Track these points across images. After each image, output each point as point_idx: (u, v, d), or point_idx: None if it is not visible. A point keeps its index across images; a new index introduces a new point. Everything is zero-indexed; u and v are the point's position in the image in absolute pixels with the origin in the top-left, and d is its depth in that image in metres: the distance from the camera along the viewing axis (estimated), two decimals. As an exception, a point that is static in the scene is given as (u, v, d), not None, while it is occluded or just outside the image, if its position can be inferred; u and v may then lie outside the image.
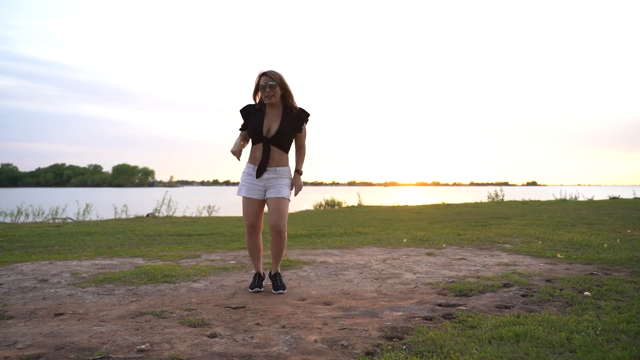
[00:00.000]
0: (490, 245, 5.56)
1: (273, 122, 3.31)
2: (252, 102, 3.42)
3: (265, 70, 3.29)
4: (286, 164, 3.40)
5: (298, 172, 3.45)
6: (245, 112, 3.40)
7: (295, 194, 3.48)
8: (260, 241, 3.48)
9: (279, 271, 3.49)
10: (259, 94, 3.35)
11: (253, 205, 3.34)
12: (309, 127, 3.49)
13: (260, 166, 3.30)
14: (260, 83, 3.29)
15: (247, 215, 3.36)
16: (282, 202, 3.31)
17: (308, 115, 3.41)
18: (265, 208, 3.43)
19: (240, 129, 3.44)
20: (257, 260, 3.50)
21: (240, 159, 3.30)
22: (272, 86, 3.25)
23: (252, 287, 3.43)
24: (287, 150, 3.40)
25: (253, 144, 3.37)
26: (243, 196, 3.36)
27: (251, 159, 3.38)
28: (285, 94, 3.31)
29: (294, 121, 3.35)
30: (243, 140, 3.38)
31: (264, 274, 3.55)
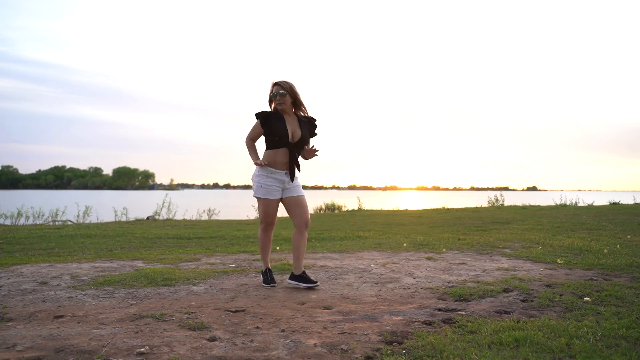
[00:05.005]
0: (490, 250, 5.56)
1: (295, 129, 3.57)
2: (268, 110, 3.65)
3: (277, 80, 3.57)
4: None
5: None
6: (265, 116, 3.56)
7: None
8: (271, 236, 3.76)
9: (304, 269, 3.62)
10: (273, 102, 3.61)
11: (272, 206, 3.60)
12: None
13: (292, 170, 3.56)
14: (272, 92, 3.56)
15: (267, 214, 3.61)
16: (305, 199, 3.66)
17: (316, 121, 3.72)
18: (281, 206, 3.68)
19: (265, 135, 3.57)
20: (268, 254, 3.75)
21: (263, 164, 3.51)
22: (282, 94, 3.53)
23: (267, 282, 3.65)
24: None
25: (275, 147, 3.53)
26: (262, 197, 3.56)
27: (271, 163, 3.52)
28: (296, 102, 3.58)
29: (308, 127, 3.66)
30: (256, 153, 3.62)
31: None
